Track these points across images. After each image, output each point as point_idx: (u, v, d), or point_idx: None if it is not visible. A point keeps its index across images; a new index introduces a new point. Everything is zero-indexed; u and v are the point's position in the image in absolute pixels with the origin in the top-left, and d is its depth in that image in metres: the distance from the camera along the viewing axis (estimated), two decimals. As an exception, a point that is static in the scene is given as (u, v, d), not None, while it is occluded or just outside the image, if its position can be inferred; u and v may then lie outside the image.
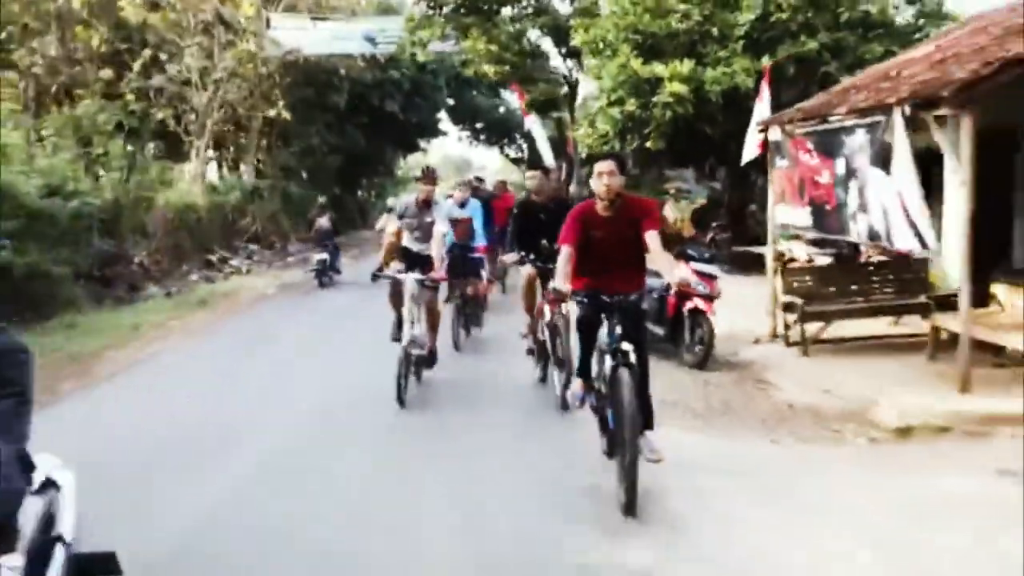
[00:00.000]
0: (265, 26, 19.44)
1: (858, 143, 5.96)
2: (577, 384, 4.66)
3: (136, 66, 16.70)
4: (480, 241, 8.55)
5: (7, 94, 14.14)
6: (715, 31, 11.95)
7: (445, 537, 3.68)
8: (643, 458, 3.93)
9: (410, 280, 6.18)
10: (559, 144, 22.84)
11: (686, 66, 11.48)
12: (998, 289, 6.96)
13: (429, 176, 6.65)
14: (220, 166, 24.70)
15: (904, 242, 5.46)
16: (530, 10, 17.70)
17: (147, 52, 17.18)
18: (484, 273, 8.72)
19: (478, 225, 8.51)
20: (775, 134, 7.45)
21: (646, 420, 4.20)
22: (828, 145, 6.48)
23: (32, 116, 15.34)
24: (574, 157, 20.30)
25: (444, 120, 34.12)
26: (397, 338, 6.27)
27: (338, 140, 26.86)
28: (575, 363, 4.82)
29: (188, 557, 3.49)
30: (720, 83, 11.46)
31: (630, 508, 3.82)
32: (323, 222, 14.05)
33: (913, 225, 5.23)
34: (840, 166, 6.28)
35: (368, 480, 4.42)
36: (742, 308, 8.57)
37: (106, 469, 4.21)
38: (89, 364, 7.53)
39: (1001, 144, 6.87)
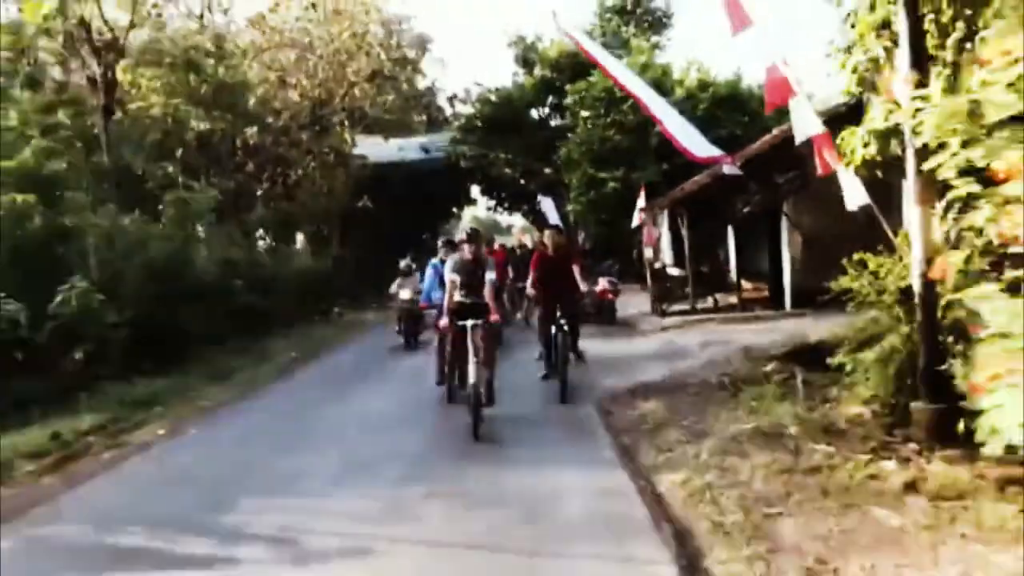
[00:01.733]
0: (352, 145, 28.45)
1: (661, 219, 14.31)
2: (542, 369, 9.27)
3: (264, 178, 25.74)
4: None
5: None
6: (637, 147, 20.52)
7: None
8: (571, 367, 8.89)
9: (471, 327, 7.21)
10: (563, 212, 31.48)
11: (621, 172, 20.02)
12: (743, 282, 15.19)
13: (473, 237, 7.76)
14: (316, 241, 33.48)
15: (667, 262, 13.78)
16: (536, 128, 26.62)
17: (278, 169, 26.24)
18: None
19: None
20: (642, 214, 15.88)
21: (576, 352, 9.45)
22: (656, 220, 14.84)
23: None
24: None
25: (475, 190, 42.93)
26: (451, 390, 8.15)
27: (393, 215, 35.75)
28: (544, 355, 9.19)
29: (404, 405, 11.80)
30: (641, 179, 19.93)
31: (563, 397, 8.17)
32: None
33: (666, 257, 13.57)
34: (660, 230, 14.62)
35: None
36: (647, 303, 16.87)
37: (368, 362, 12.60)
38: (332, 344, 15.95)
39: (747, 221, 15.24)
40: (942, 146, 4.61)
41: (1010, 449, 4.06)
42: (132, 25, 14.50)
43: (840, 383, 7.26)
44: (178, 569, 4.38)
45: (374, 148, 28.86)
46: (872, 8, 6.48)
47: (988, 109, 4.43)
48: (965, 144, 4.61)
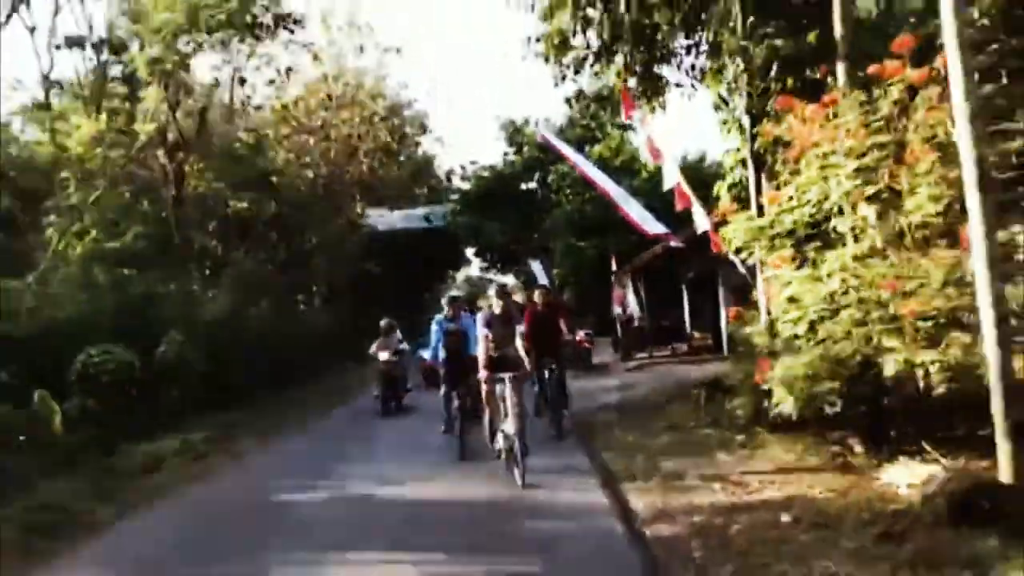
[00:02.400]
0: (362, 215, 32.04)
1: (628, 282, 17.72)
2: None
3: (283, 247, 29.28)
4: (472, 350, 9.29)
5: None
6: (610, 220, 24.12)
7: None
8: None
9: (508, 379, 7.63)
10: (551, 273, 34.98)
11: (597, 241, 23.59)
12: (695, 333, 18.56)
13: (504, 293, 8.23)
14: (327, 300, 36.80)
15: (635, 314, 17.17)
16: (523, 202, 30.39)
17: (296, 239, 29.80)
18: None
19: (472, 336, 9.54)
20: (613, 278, 19.33)
21: (565, 403, 11.09)
22: (623, 282, 18.27)
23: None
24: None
25: (469, 252, 46.51)
26: (498, 454, 7.87)
27: (395, 277, 39.17)
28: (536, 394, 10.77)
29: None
30: (616, 246, 23.46)
31: (559, 436, 9.76)
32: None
33: (634, 310, 16.97)
34: (626, 291, 18.03)
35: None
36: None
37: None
38: (353, 391, 19.12)
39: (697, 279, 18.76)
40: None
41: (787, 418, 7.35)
42: (199, 133, 18.06)
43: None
44: (318, 491, 7.58)
45: (380, 218, 32.46)
46: (738, 150, 10.02)
47: (774, 226, 7.91)
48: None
